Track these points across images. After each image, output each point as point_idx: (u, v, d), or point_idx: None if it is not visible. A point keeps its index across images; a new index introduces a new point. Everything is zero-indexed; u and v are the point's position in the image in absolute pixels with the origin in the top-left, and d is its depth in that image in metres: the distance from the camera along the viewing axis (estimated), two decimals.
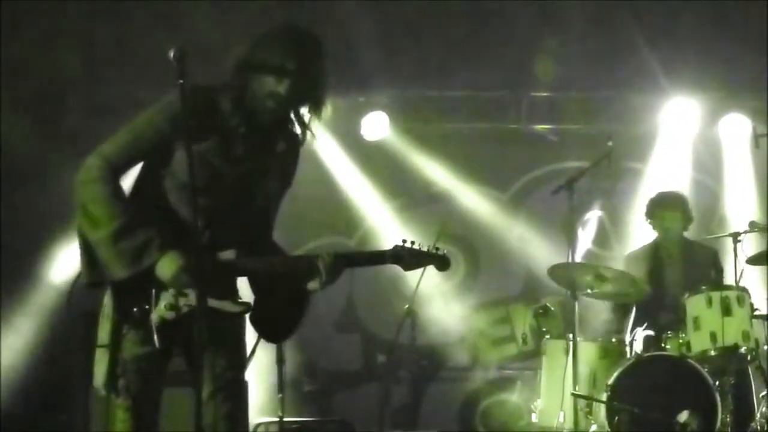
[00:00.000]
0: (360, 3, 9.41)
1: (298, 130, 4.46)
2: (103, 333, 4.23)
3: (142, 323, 4.17)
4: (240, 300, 4.38)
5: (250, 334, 7.08)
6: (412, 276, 9.40)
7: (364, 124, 10.41)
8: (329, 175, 10.47)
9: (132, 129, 4.26)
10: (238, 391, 4.41)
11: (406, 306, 8.87)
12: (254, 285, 4.53)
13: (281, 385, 7.27)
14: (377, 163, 10.68)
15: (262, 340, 7.11)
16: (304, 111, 4.41)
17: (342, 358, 10.91)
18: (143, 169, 4.33)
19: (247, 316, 4.47)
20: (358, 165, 10.65)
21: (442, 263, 4.56)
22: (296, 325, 4.56)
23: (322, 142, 10.55)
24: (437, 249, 4.54)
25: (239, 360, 4.45)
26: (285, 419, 7.39)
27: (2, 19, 8.62)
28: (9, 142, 8.82)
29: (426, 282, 9.07)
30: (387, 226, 10.83)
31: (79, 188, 4.19)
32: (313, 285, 4.39)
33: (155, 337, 4.15)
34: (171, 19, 8.51)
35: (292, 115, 4.42)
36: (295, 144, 4.47)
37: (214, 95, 4.28)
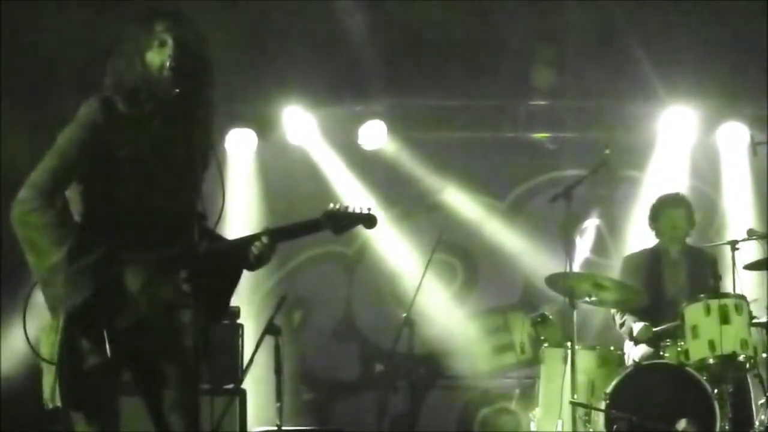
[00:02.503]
0: (358, 13, 9.42)
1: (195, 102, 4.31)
2: (47, 346, 4.17)
3: (94, 334, 4.11)
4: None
5: (249, 345, 7.09)
6: (411, 284, 9.49)
7: (362, 132, 10.41)
8: (327, 184, 10.47)
9: (55, 151, 4.22)
10: (192, 408, 4.26)
11: (404, 314, 8.88)
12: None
13: (279, 394, 7.25)
14: (375, 171, 10.68)
15: (260, 351, 7.14)
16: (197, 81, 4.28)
17: (340, 367, 10.89)
18: (84, 194, 4.28)
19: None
20: (355, 174, 10.64)
21: (370, 222, 4.55)
22: (228, 301, 4.48)
23: (320, 151, 10.57)
24: (365, 209, 4.54)
25: (194, 373, 4.37)
26: (283, 428, 7.36)
27: (2, 22, 8.62)
28: (9, 145, 8.80)
29: (424, 290, 9.10)
30: (384, 235, 10.82)
31: (17, 225, 4.16)
32: (249, 264, 4.36)
33: (107, 346, 4.10)
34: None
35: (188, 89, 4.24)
36: (197, 116, 4.29)
37: (119, 101, 4.25)
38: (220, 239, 4.49)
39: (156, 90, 4.23)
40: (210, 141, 4.48)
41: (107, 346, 4.10)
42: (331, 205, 4.50)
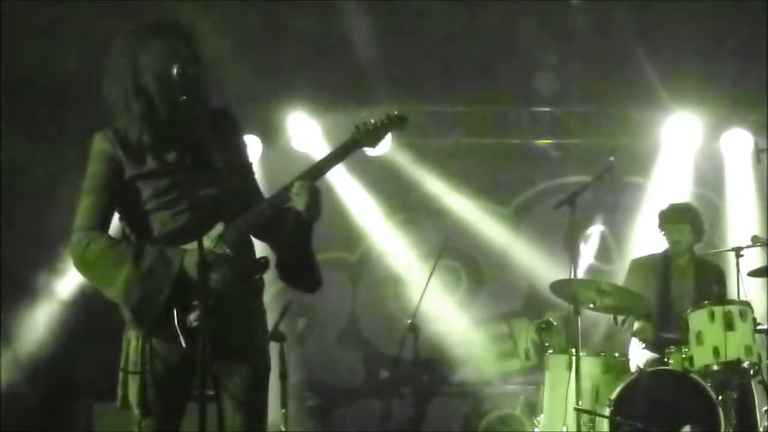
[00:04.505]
0: (361, 19, 9.43)
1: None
2: (130, 352, 4.26)
3: (166, 337, 4.18)
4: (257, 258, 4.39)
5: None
6: (415, 291, 9.49)
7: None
8: (330, 191, 10.48)
9: (85, 191, 4.33)
10: (259, 409, 4.36)
11: (409, 321, 8.88)
12: (267, 240, 4.51)
13: (284, 400, 7.27)
14: (379, 178, 10.70)
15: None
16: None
17: (344, 374, 10.90)
18: (129, 219, 4.37)
19: (278, 276, 4.46)
20: (359, 180, 10.66)
21: (400, 123, 4.48)
22: (313, 263, 4.49)
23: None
24: (391, 114, 4.47)
25: (260, 377, 4.40)
26: None
27: (2, 26, 8.64)
28: (10, 152, 8.82)
29: (428, 297, 9.10)
30: (389, 241, 10.84)
31: (80, 269, 4.29)
32: (304, 214, 4.30)
33: (182, 338, 4.15)
34: (169, 15, 8.42)
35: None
36: (212, 113, 4.38)
37: (125, 124, 4.31)
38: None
39: (162, 99, 4.27)
40: (232, 137, 4.49)
41: (182, 339, 4.16)
42: (355, 127, 4.43)
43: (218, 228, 4.20)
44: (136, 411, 4.23)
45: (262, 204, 4.34)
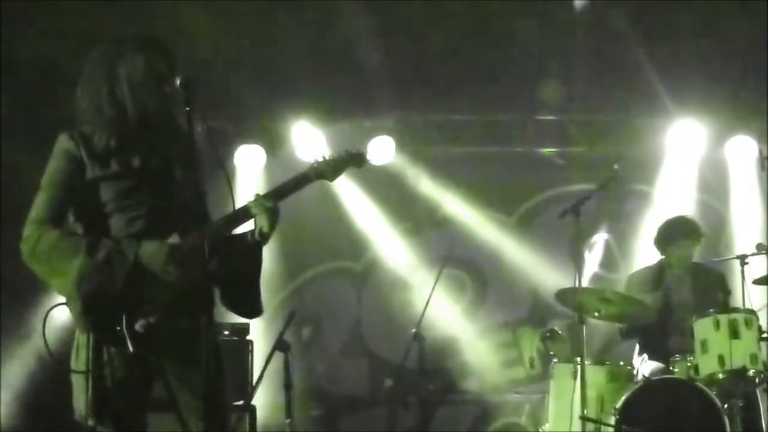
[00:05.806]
0: (365, 27, 9.44)
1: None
2: (80, 362, 4.23)
3: (121, 347, 4.14)
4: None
5: (258, 361, 7.09)
6: (420, 300, 9.49)
7: (370, 148, 10.43)
8: (335, 200, 10.48)
9: (43, 186, 4.35)
10: (222, 416, 4.32)
11: (414, 330, 8.87)
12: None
13: (289, 410, 7.26)
14: (383, 187, 10.69)
15: (269, 367, 7.14)
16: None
17: (349, 383, 10.89)
18: (81, 222, 4.37)
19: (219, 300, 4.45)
20: (363, 189, 10.66)
21: (359, 160, 4.59)
22: (257, 289, 4.52)
23: None
24: (352, 150, 4.59)
25: (219, 382, 4.37)
26: None
27: (2, 22, 8.65)
28: (10, 153, 8.82)
29: (433, 306, 9.09)
30: (393, 250, 10.83)
31: (30, 261, 4.28)
32: (257, 235, 4.39)
33: (129, 343, 4.11)
34: (171, 22, 8.41)
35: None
36: (184, 134, 4.31)
37: (92, 129, 4.35)
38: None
39: (133, 110, 4.34)
40: (191, 153, 4.44)
41: (129, 343, 4.13)
42: (317, 158, 4.54)
43: (173, 238, 4.23)
44: (94, 423, 4.17)
45: (220, 220, 4.39)
